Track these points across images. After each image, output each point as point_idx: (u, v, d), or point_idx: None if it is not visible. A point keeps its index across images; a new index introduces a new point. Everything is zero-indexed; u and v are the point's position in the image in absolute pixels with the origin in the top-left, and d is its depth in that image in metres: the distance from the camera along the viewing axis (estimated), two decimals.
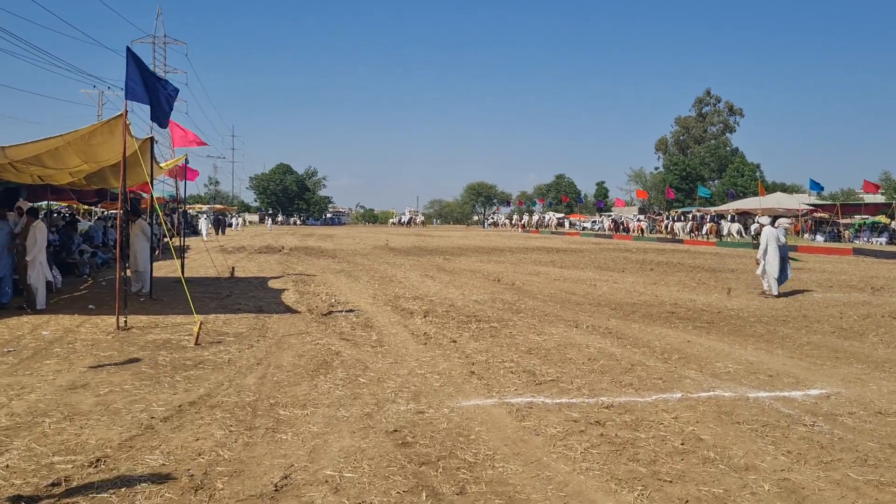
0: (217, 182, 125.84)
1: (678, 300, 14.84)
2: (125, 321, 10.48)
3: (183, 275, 17.63)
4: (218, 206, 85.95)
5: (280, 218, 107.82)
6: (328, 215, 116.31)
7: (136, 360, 8.15)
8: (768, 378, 7.66)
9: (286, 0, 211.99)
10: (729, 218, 55.43)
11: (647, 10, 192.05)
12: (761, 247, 15.71)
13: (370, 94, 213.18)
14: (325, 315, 12.02)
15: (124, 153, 9.98)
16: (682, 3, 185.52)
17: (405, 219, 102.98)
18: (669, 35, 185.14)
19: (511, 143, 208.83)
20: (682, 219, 60.20)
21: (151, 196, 14.57)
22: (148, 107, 10.48)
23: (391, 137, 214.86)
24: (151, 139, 13.61)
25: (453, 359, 8.46)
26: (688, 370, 7.97)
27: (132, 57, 9.80)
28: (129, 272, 15.09)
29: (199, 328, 9.24)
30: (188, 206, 72.03)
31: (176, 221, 29.45)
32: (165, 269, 21.02)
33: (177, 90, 10.71)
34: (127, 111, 9.86)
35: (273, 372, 7.66)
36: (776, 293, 15.55)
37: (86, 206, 36.70)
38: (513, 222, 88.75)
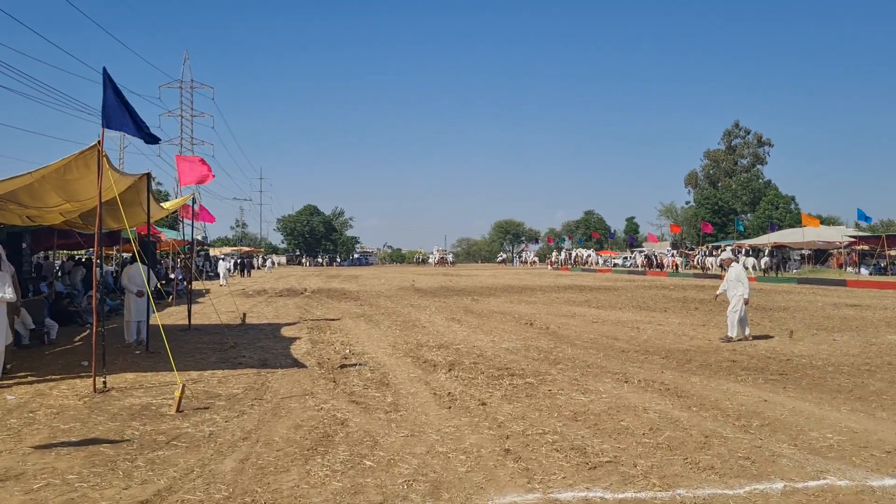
0: (244, 224, 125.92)
1: (736, 345, 13.14)
2: (104, 382, 9.11)
3: (189, 322, 16.45)
4: (245, 249, 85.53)
5: (320, 259, 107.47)
6: (355, 255, 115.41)
7: (98, 437, 6.72)
8: (885, 455, 6.00)
9: (312, 42, 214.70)
10: (744, 252, 53.46)
11: (671, 43, 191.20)
12: (745, 285, 13.62)
13: (397, 135, 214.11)
14: (337, 369, 10.56)
15: (100, 188, 8.65)
16: (706, 36, 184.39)
17: (435, 258, 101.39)
18: (695, 68, 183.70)
19: (538, 179, 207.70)
20: (714, 253, 58.10)
21: (140, 237, 13.34)
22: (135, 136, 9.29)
23: (418, 177, 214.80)
24: (148, 175, 12.45)
25: (483, 429, 6.92)
26: (778, 443, 6.34)
27: (109, 80, 8.56)
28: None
29: (182, 393, 7.82)
30: (212, 248, 71.54)
31: (191, 265, 28.19)
32: (176, 315, 19.75)
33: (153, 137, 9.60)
34: (102, 140, 8.54)
35: (259, 452, 6.18)
36: (748, 335, 13.82)
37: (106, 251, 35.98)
38: (553, 259, 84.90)
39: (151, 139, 9.43)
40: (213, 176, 15.80)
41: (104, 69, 8.50)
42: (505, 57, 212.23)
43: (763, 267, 47.91)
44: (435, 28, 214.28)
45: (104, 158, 8.36)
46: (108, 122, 8.58)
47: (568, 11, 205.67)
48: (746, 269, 46.90)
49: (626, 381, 9.46)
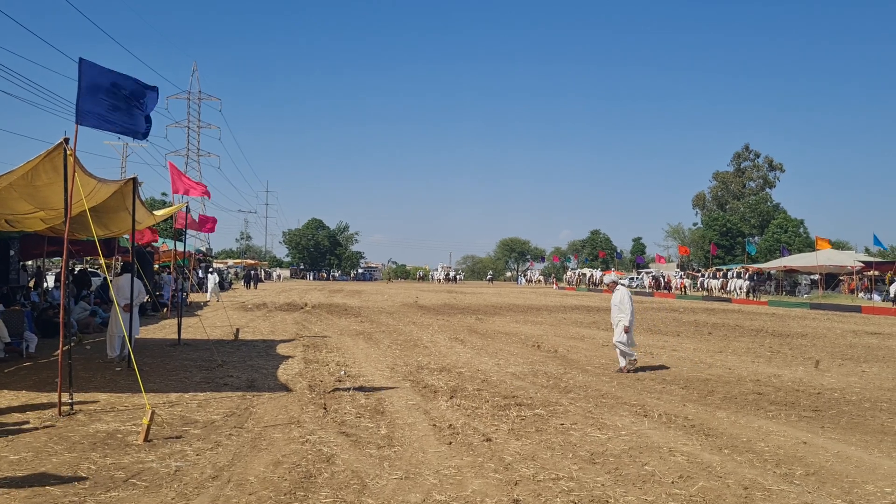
0: (249, 237, 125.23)
1: (759, 375, 12.26)
2: (71, 403, 8.28)
3: (179, 337, 15.59)
4: (249, 261, 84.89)
5: (336, 273, 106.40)
6: (360, 270, 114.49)
7: (49, 471, 5.89)
8: None
9: (321, 57, 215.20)
10: (735, 274, 53.02)
11: (682, 63, 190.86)
12: (626, 312, 12.15)
13: (404, 151, 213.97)
14: (329, 393, 9.72)
15: (68, 193, 7.81)
16: (717, 57, 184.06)
17: (440, 275, 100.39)
18: (704, 89, 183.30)
19: (544, 198, 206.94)
20: (715, 276, 57.28)
21: (133, 245, 12.58)
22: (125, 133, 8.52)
23: (424, 194, 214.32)
24: (134, 179, 11.68)
25: (487, 472, 6.06)
26: (830, 498, 5.47)
27: (87, 71, 7.79)
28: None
29: (151, 420, 6.98)
30: (215, 260, 70.85)
31: (181, 277, 27.35)
32: (168, 329, 18.95)
33: (155, 88, 8.54)
34: (68, 139, 7.70)
35: (229, 495, 5.33)
36: (625, 364, 12.42)
37: (106, 261, 35.06)
38: (566, 279, 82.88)
39: (138, 131, 8.55)
40: (208, 194, 15.17)
41: (80, 59, 7.73)
42: (511, 75, 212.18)
43: (745, 290, 47.64)
44: (442, 46, 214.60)
45: (72, 159, 7.52)
46: (81, 119, 7.80)
47: (577, 30, 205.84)
48: (736, 290, 47.15)
49: (645, 415, 8.59)
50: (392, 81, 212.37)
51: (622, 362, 12.33)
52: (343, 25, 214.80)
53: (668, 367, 13.01)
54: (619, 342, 12.30)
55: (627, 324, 12.14)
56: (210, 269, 41.27)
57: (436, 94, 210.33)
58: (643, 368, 12.75)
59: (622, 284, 12.95)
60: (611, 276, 13.17)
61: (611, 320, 12.70)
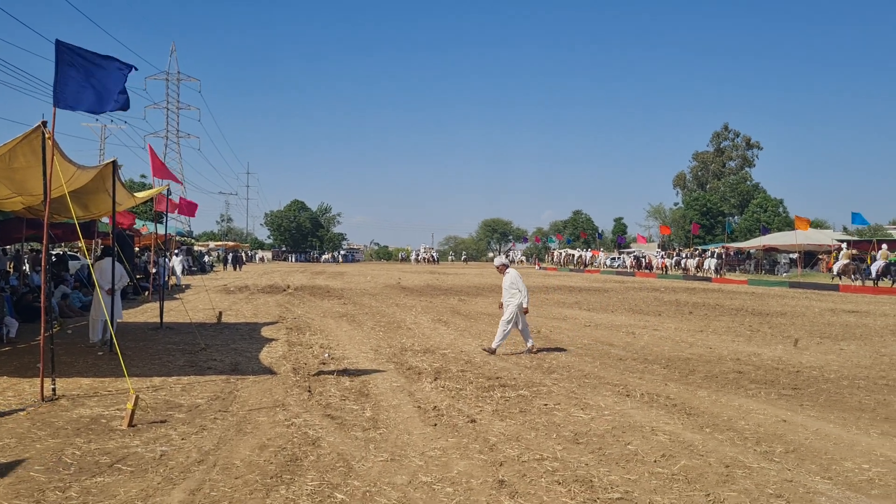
0: (230, 219, 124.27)
1: (739, 354, 12.41)
2: (53, 389, 8.23)
3: (161, 321, 15.50)
4: (230, 244, 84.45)
5: (327, 256, 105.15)
6: (342, 252, 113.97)
7: (32, 457, 5.86)
8: None
9: (302, 38, 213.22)
10: (709, 254, 53.85)
11: (661, 43, 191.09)
12: (522, 292, 12.07)
13: (385, 132, 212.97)
14: (314, 376, 9.73)
15: (47, 176, 7.71)
16: (696, 37, 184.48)
17: (416, 256, 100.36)
18: (684, 69, 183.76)
19: (526, 179, 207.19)
20: (692, 255, 57.92)
21: (113, 227, 12.46)
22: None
23: (406, 175, 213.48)
24: (114, 163, 11.55)
25: (472, 453, 6.11)
26: (810, 476, 5.57)
27: (64, 53, 7.67)
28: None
29: (135, 405, 6.96)
30: (196, 243, 70.38)
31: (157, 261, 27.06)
32: (150, 312, 18.83)
33: (129, 67, 8.35)
34: (46, 122, 7.58)
35: (215, 479, 5.34)
36: (531, 346, 12.35)
37: (86, 242, 34.42)
38: (555, 259, 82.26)
39: (114, 103, 8.37)
40: (181, 183, 15.14)
41: (57, 42, 7.61)
42: (493, 56, 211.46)
43: (715, 268, 48.34)
44: (422, 27, 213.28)
45: (51, 142, 7.41)
46: (58, 101, 7.68)
47: (557, 10, 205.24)
48: (710, 269, 47.86)
49: (627, 395, 8.68)
50: (372, 63, 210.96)
51: (496, 342, 12.19)
52: (322, 7, 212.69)
53: (565, 350, 12.84)
54: (506, 323, 12.15)
55: (526, 304, 12.09)
56: (176, 252, 39.11)
57: (417, 76, 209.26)
58: (543, 349, 12.90)
59: (509, 266, 12.79)
60: (500, 259, 12.99)
61: (502, 301, 12.48)
